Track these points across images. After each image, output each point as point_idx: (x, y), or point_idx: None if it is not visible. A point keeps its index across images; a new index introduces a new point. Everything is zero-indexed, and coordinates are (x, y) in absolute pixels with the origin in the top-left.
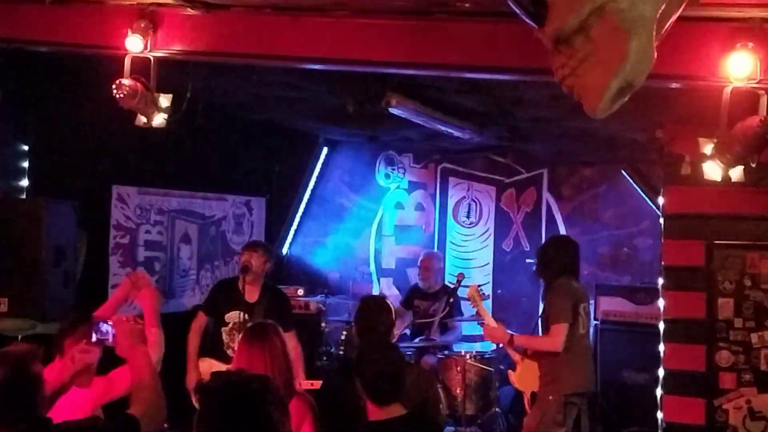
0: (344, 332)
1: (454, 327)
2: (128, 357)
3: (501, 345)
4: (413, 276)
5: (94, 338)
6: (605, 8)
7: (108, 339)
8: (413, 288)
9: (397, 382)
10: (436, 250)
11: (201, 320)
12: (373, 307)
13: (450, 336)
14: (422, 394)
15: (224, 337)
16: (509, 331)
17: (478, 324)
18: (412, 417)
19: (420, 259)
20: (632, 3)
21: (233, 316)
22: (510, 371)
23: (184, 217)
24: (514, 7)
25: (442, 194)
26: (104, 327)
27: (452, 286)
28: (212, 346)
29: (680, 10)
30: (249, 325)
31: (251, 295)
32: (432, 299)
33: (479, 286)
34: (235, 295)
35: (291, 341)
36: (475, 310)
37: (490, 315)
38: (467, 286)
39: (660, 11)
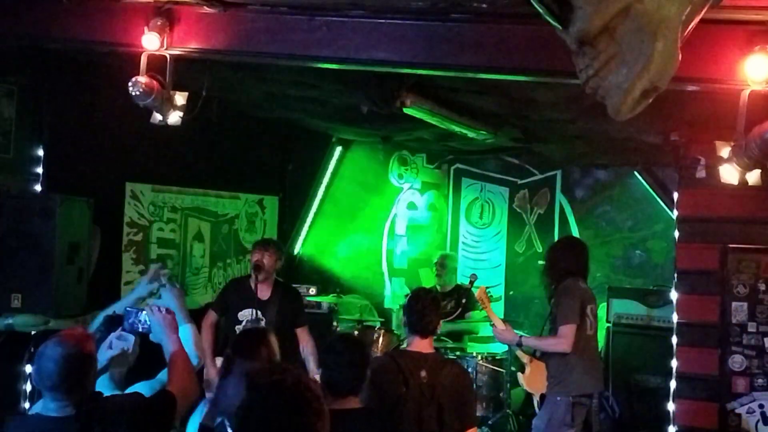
0: (356, 332)
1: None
2: (162, 343)
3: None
4: (425, 276)
5: (139, 327)
6: (631, 9)
7: (144, 327)
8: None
9: (357, 377)
10: (448, 250)
11: (211, 318)
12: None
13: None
14: (458, 392)
15: None
16: (518, 333)
17: (490, 325)
18: (367, 412)
19: (437, 258)
20: (658, 4)
21: (246, 314)
22: (519, 373)
23: (197, 215)
24: (537, 8)
25: (455, 195)
26: (140, 315)
27: (465, 287)
28: (226, 345)
29: (703, 12)
30: (238, 335)
31: (263, 293)
32: (446, 298)
33: (488, 288)
34: (248, 294)
35: (304, 336)
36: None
37: (500, 317)
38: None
39: (685, 13)
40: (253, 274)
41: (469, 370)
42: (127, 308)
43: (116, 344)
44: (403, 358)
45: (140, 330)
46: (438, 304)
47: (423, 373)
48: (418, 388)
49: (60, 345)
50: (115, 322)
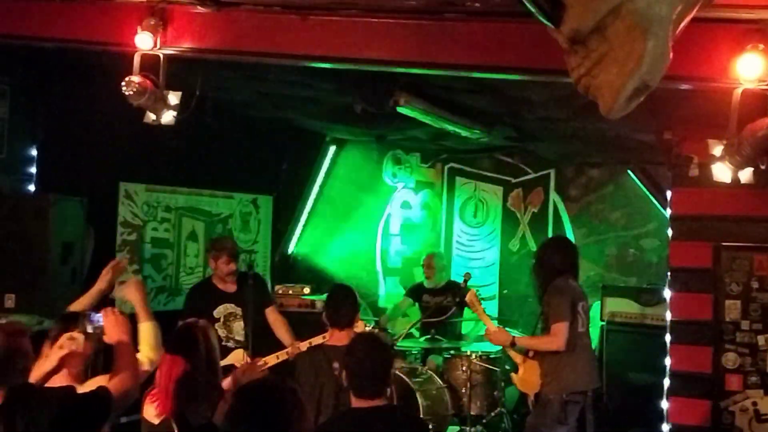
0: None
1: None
2: (115, 344)
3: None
4: (419, 275)
5: (89, 329)
6: (622, 8)
7: (97, 329)
8: (420, 284)
9: (382, 380)
10: (442, 249)
11: None
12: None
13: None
14: None
15: (219, 332)
16: (511, 333)
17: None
18: (393, 409)
19: (423, 258)
20: (649, 3)
21: (221, 311)
22: (513, 374)
23: (191, 215)
24: (530, 7)
25: (449, 194)
26: (95, 317)
27: (460, 284)
28: None
29: (695, 10)
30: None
31: (230, 287)
32: (440, 294)
33: (481, 287)
34: (216, 293)
35: (272, 314)
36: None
37: (494, 315)
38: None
39: (676, 12)
40: (231, 277)
41: (463, 368)
42: (84, 311)
43: (66, 344)
44: (316, 353)
45: (88, 330)
46: (353, 298)
47: (336, 365)
48: (331, 379)
49: None
50: (69, 320)
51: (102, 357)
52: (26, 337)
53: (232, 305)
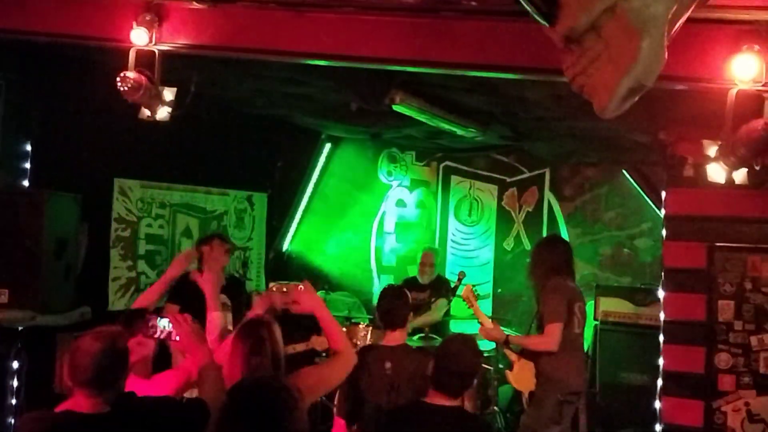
0: (344, 329)
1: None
2: (192, 354)
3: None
4: (414, 273)
5: (156, 334)
6: (617, 7)
7: (164, 335)
8: (410, 280)
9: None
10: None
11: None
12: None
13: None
14: (420, 378)
15: None
16: (506, 331)
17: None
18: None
19: (421, 254)
20: (645, 2)
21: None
22: (507, 371)
23: (186, 211)
24: (525, 5)
25: (443, 192)
26: (162, 322)
27: (450, 281)
28: None
29: (690, 11)
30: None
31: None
32: (424, 290)
33: (476, 285)
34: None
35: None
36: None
37: (488, 314)
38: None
39: (672, 12)
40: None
41: None
42: (147, 314)
43: (136, 350)
44: (371, 352)
45: (157, 336)
46: (403, 298)
47: (388, 365)
48: (383, 379)
49: (96, 340)
50: (132, 322)
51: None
52: (124, 341)
53: (224, 296)
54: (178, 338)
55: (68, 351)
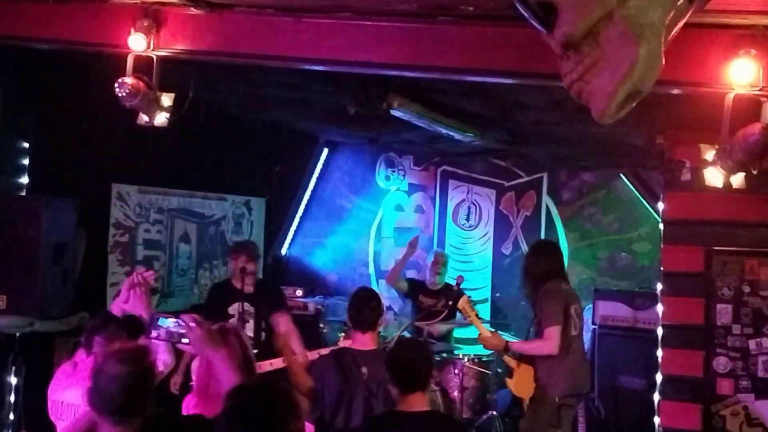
0: (342, 333)
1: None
2: (211, 360)
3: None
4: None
5: (162, 336)
6: (614, 14)
7: (169, 337)
8: (418, 282)
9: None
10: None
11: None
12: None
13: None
14: None
15: None
16: (504, 338)
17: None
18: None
19: (434, 254)
20: (641, 9)
21: (236, 308)
22: (507, 378)
23: (184, 217)
24: (523, 12)
25: (441, 197)
26: (167, 323)
27: (453, 287)
28: None
29: (687, 16)
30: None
31: (247, 289)
32: (436, 296)
33: (470, 295)
34: (232, 292)
35: (284, 323)
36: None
37: (486, 318)
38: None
39: (669, 18)
40: (240, 275)
41: (456, 371)
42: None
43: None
44: (344, 356)
45: (163, 339)
46: (375, 300)
47: (364, 369)
48: (359, 384)
49: (122, 362)
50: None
51: None
52: (151, 358)
53: (247, 304)
54: (185, 341)
55: (91, 375)
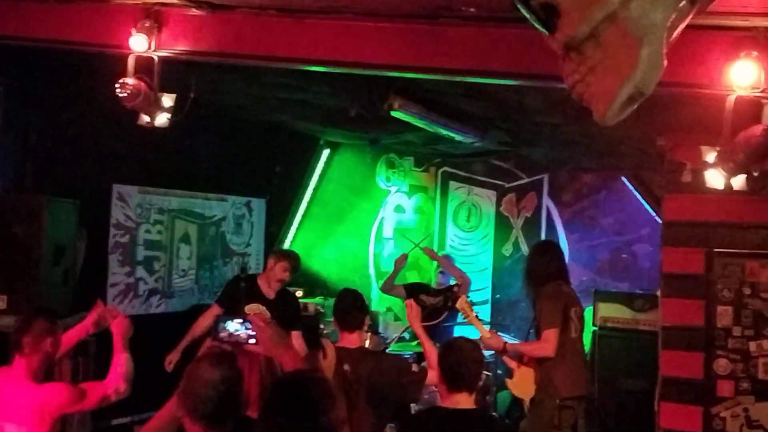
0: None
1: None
2: (279, 359)
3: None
4: (412, 280)
5: (227, 337)
6: (617, 16)
7: (234, 339)
8: (417, 284)
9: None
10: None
11: (215, 311)
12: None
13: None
14: (376, 384)
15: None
16: (504, 338)
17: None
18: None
19: (443, 256)
20: (644, 11)
21: (253, 308)
22: (507, 379)
23: (184, 217)
24: (524, 13)
25: (442, 198)
26: (231, 326)
27: (454, 288)
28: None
29: (689, 18)
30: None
31: (270, 293)
32: (438, 295)
33: (468, 296)
34: (255, 291)
35: (297, 340)
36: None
37: (486, 319)
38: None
39: (671, 20)
40: (278, 284)
41: None
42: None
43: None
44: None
45: (228, 340)
46: (360, 301)
47: (346, 367)
48: (341, 381)
49: (216, 366)
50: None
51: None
52: (236, 362)
53: (264, 308)
54: (253, 342)
55: (183, 378)
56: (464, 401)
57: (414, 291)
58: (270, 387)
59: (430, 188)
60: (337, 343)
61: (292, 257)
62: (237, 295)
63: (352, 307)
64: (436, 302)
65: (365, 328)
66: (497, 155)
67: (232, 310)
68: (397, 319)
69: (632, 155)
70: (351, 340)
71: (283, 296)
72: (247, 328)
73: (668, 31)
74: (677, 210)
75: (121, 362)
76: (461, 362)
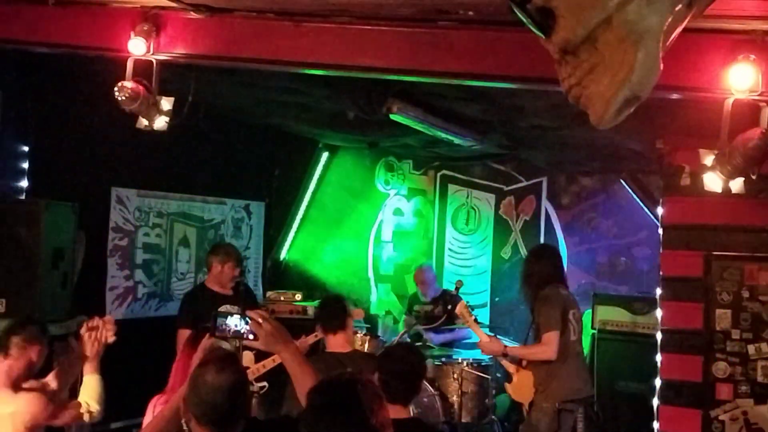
0: None
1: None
2: (279, 355)
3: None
4: (410, 282)
5: (227, 333)
6: (613, 19)
7: (234, 334)
8: (415, 296)
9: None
10: (434, 257)
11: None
12: None
13: (450, 335)
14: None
15: None
16: (503, 342)
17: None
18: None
19: (414, 274)
20: (640, 14)
21: (228, 307)
22: (506, 383)
23: (183, 221)
24: (521, 17)
25: (441, 201)
26: (231, 321)
27: (452, 292)
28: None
29: (686, 21)
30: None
31: (227, 291)
32: (431, 303)
33: (468, 300)
34: (214, 296)
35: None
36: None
37: (485, 323)
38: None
39: (667, 23)
40: (232, 282)
41: (455, 376)
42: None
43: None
44: (329, 358)
45: (229, 336)
46: (342, 303)
47: (350, 371)
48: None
49: (223, 371)
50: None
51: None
52: (241, 361)
53: (229, 306)
54: (251, 337)
55: (189, 384)
56: (397, 413)
57: (410, 305)
58: (316, 387)
59: (429, 191)
60: (328, 348)
61: (235, 253)
62: (199, 309)
63: (332, 307)
64: (431, 309)
65: (349, 329)
66: (496, 158)
67: (200, 324)
68: (395, 322)
69: (631, 158)
70: (339, 344)
71: (236, 287)
72: (246, 323)
73: (665, 34)
74: (676, 213)
75: (93, 384)
76: (396, 374)
